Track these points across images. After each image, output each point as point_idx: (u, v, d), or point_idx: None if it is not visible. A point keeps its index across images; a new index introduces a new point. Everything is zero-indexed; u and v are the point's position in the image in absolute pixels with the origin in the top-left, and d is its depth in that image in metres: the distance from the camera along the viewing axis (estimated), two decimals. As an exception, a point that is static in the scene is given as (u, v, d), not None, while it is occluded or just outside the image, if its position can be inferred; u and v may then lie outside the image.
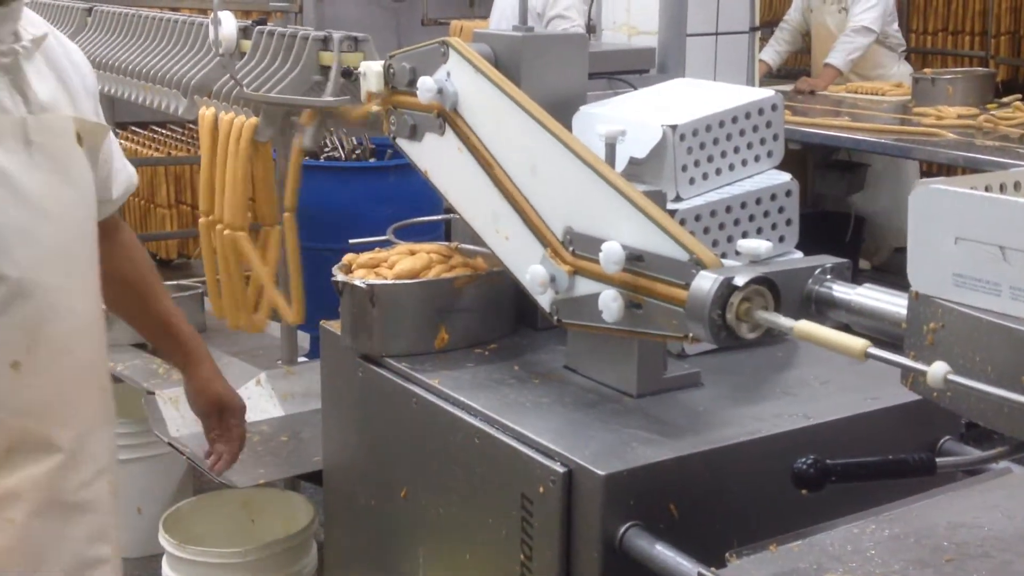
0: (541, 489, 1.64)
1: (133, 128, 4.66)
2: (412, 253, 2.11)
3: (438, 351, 2.01)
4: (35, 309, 1.57)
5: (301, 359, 3.12)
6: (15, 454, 1.58)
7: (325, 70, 2.51)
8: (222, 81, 2.77)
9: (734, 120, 2.08)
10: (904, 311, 1.34)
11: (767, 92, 2.17)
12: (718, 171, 2.07)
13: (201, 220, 2.83)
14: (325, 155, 3.66)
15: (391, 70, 2.04)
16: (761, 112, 2.12)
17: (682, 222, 1.94)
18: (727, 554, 1.41)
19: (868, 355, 1.27)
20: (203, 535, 2.89)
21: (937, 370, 1.17)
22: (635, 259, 1.60)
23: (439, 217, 2.64)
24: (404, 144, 2.08)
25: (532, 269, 1.78)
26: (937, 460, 1.45)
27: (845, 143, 5.02)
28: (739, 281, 1.46)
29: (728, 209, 2.03)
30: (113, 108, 3.56)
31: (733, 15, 4.42)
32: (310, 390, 2.85)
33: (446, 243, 2.18)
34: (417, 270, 2.05)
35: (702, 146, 2.04)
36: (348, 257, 2.12)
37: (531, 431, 1.70)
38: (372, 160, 3.71)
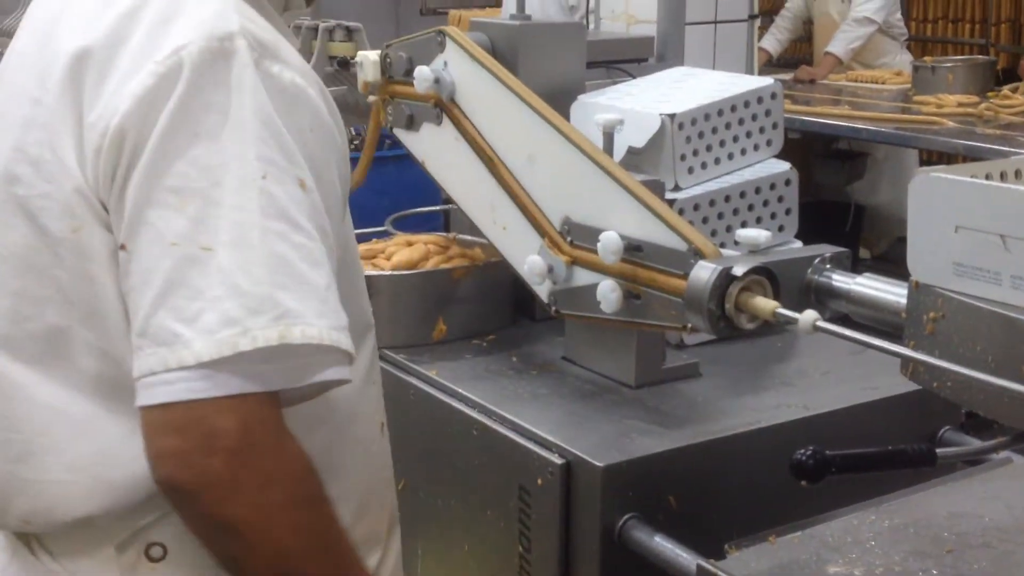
0: (540, 481, 1.63)
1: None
2: (410, 244, 2.10)
3: (436, 342, 2.01)
4: (374, 358, 1.42)
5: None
6: (393, 528, 1.43)
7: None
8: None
9: (733, 109, 2.07)
10: (904, 300, 1.33)
11: (766, 80, 2.16)
12: (717, 160, 2.05)
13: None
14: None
15: (388, 59, 2.03)
16: (760, 101, 2.11)
17: (681, 212, 1.93)
18: (726, 546, 1.40)
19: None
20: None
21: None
22: (634, 249, 1.59)
23: (437, 207, 2.62)
24: (401, 134, 2.06)
25: (530, 259, 1.77)
26: (937, 450, 1.44)
27: (845, 132, 5.00)
28: (738, 271, 1.45)
29: (727, 199, 2.02)
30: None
31: (732, 3, 4.39)
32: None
33: (444, 234, 2.17)
34: (415, 261, 2.04)
35: (701, 135, 2.03)
36: (345, 248, 2.11)
37: (529, 422, 1.69)
38: (370, 150, 3.70)
